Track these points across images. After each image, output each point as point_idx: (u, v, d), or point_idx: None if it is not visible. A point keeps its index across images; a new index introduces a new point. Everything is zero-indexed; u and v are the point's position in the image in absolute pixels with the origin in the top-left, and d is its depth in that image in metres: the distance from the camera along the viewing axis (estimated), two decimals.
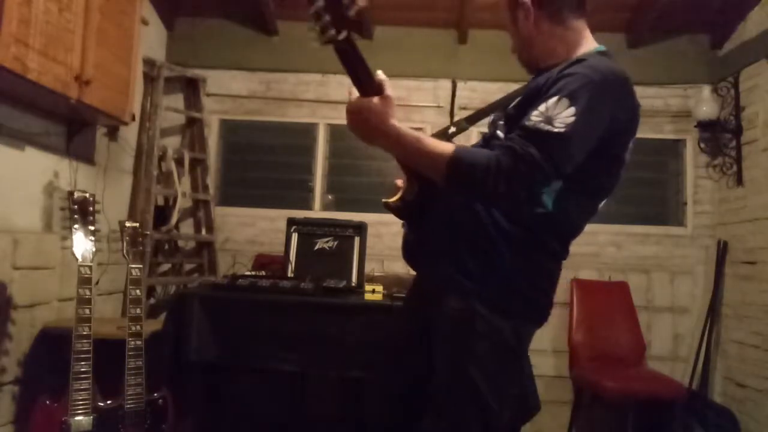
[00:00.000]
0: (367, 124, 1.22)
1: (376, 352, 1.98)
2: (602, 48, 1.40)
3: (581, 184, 1.28)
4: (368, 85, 1.22)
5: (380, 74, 1.23)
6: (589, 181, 1.31)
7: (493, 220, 1.29)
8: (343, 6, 1.09)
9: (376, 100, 1.21)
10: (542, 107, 1.17)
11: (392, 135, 1.22)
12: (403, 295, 1.96)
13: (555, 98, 1.17)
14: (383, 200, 1.49)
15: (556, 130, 1.14)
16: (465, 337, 1.30)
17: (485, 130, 1.49)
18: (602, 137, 1.23)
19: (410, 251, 1.48)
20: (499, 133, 1.37)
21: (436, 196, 1.37)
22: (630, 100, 1.29)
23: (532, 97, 1.26)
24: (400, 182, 1.48)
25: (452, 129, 1.56)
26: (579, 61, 1.26)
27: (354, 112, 1.23)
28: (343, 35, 1.14)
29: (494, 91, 3.67)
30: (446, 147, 1.19)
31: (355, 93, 1.23)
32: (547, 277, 1.39)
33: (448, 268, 1.33)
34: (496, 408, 1.29)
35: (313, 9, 1.10)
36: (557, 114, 1.15)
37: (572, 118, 1.14)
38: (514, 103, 1.37)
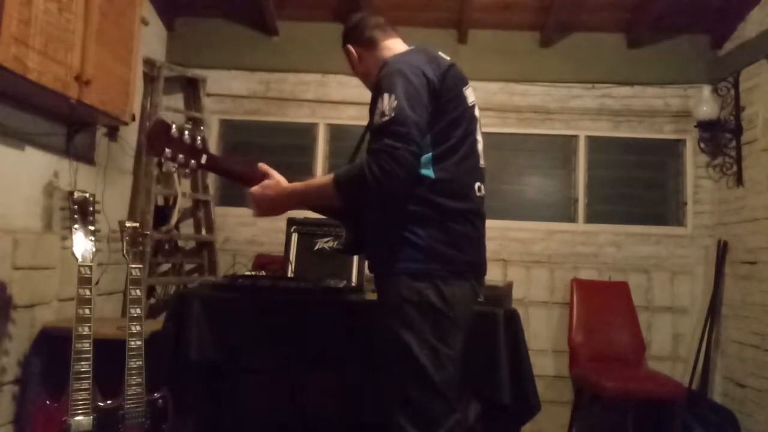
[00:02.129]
0: (270, 200, 1.55)
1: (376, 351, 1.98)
2: (404, 48, 1.67)
3: (442, 148, 1.50)
4: (250, 177, 1.56)
5: (262, 165, 1.58)
6: (446, 143, 1.51)
7: (396, 205, 1.48)
8: (190, 143, 1.48)
9: (264, 181, 1.56)
10: (377, 111, 1.44)
11: (292, 194, 1.55)
12: None
13: (379, 99, 1.44)
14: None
15: (387, 117, 1.40)
16: (396, 304, 1.47)
17: None
18: (432, 107, 1.47)
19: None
20: None
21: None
22: (430, 68, 1.51)
23: (371, 111, 1.52)
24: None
25: None
26: (383, 66, 1.54)
27: (254, 201, 1.56)
28: (204, 159, 1.51)
29: (495, 90, 3.67)
30: (326, 178, 1.48)
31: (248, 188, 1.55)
32: (458, 236, 1.51)
33: (378, 255, 1.58)
34: (430, 366, 1.43)
35: (169, 156, 1.44)
36: (385, 106, 1.41)
37: (395, 102, 1.40)
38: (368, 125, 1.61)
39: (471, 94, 1.63)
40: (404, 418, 1.42)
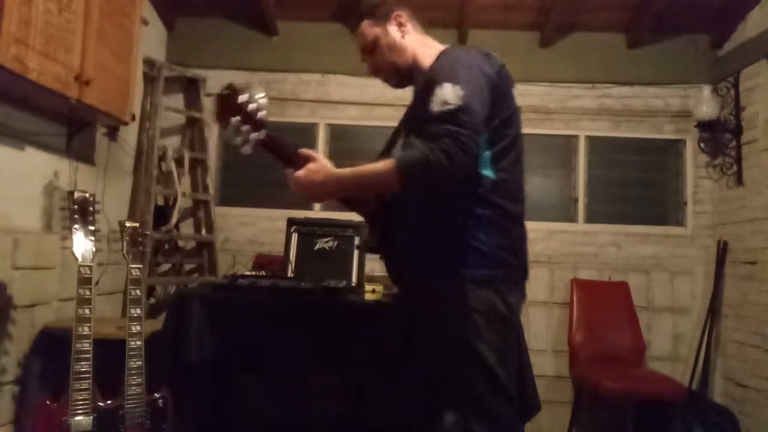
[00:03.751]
0: (316, 183, 1.43)
1: (376, 351, 1.98)
2: (442, 46, 1.61)
3: (498, 147, 1.46)
4: (297, 160, 1.46)
5: (303, 150, 1.48)
6: (501, 142, 1.47)
7: (457, 206, 1.44)
8: (254, 114, 1.37)
9: (310, 164, 1.44)
10: (436, 99, 1.36)
11: (341, 180, 1.43)
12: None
13: (437, 87, 1.36)
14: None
15: (453, 105, 1.33)
16: (463, 313, 1.41)
17: None
18: (490, 100, 1.41)
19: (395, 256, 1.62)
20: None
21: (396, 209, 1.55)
22: (488, 65, 1.47)
23: (420, 100, 1.46)
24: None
25: None
26: (440, 56, 1.50)
27: (300, 183, 1.44)
28: (263, 134, 1.40)
29: None
30: (385, 164, 1.37)
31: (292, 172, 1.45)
32: (515, 240, 1.50)
33: (430, 259, 1.48)
34: (500, 371, 1.41)
35: (232, 125, 1.36)
36: (448, 95, 1.34)
37: (462, 92, 1.34)
38: (408, 118, 1.60)
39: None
40: (479, 422, 1.40)
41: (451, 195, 1.43)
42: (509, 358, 1.46)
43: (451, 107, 1.33)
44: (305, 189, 1.44)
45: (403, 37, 1.61)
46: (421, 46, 1.61)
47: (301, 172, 1.43)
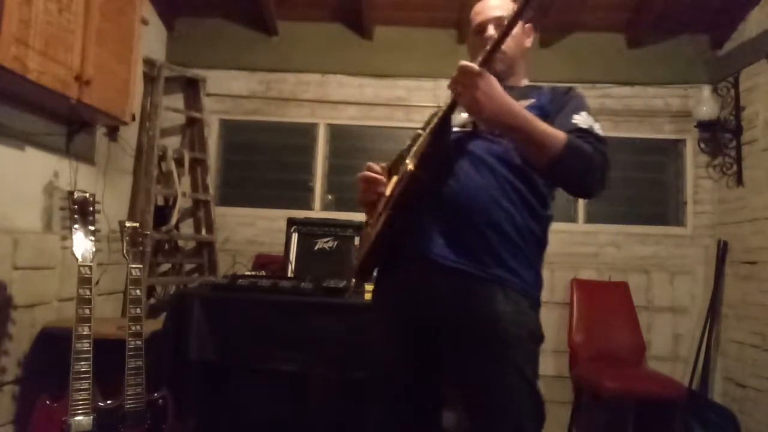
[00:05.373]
0: (498, 95, 1.24)
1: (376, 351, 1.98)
2: None
3: (554, 187, 1.48)
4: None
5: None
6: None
7: (522, 218, 1.38)
8: None
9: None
10: (580, 116, 1.36)
11: (513, 105, 1.26)
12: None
13: (584, 112, 1.38)
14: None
15: (602, 134, 1.35)
16: (524, 337, 1.33)
17: None
18: None
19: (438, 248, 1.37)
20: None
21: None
22: None
23: (560, 106, 1.42)
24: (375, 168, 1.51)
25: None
26: (571, 90, 1.49)
27: (486, 82, 1.22)
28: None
29: None
30: (559, 132, 1.29)
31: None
32: (541, 271, 1.47)
33: (495, 267, 1.34)
34: (542, 401, 1.35)
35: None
36: (593, 123, 1.36)
37: (600, 130, 1.36)
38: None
39: None
40: None
41: (535, 216, 1.41)
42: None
43: (601, 134, 1.35)
44: (490, 96, 1.22)
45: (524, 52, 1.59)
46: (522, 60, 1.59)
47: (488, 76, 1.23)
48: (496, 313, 1.31)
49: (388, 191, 1.44)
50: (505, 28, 1.21)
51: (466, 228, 1.35)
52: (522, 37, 1.55)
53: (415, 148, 1.40)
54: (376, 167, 1.51)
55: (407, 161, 1.36)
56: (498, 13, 1.48)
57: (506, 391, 1.31)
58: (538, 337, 1.38)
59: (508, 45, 1.38)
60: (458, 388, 1.41)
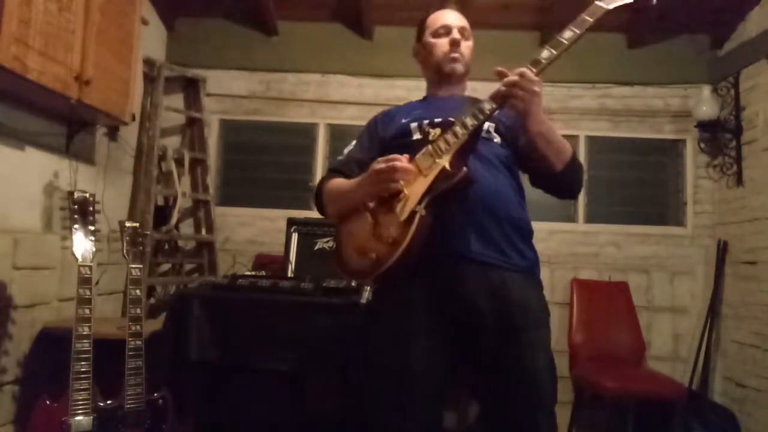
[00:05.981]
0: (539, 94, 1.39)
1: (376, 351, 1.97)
2: None
3: None
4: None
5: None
6: None
7: (523, 211, 1.56)
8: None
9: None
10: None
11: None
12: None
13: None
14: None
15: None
16: (546, 317, 1.48)
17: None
18: None
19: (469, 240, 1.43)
20: (495, 136, 1.62)
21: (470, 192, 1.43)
22: None
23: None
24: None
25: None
26: None
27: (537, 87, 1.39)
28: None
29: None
30: (566, 141, 1.53)
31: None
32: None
33: (516, 257, 1.47)
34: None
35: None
36: None
37: None
38: (501, 114, 1.53)
39: None
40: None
41: (524, 209, 1.58)
42: None
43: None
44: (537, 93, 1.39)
45: None
46: None
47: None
48: (528, 299, 1.44)
49: (408, 189, 1.37)
50: (571, 41, 1.39)
51: (493, 224, 1.45)
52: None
53: (451, 148, 1.38)
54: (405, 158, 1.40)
55: (442, 159, 1.36)
56: (463, 23, 1.72)
57: (539, 373, 1.44)
58: (548, 314, 1.51)
59: (468, 48, 1.77)
60: (487, 378, 1.46)
